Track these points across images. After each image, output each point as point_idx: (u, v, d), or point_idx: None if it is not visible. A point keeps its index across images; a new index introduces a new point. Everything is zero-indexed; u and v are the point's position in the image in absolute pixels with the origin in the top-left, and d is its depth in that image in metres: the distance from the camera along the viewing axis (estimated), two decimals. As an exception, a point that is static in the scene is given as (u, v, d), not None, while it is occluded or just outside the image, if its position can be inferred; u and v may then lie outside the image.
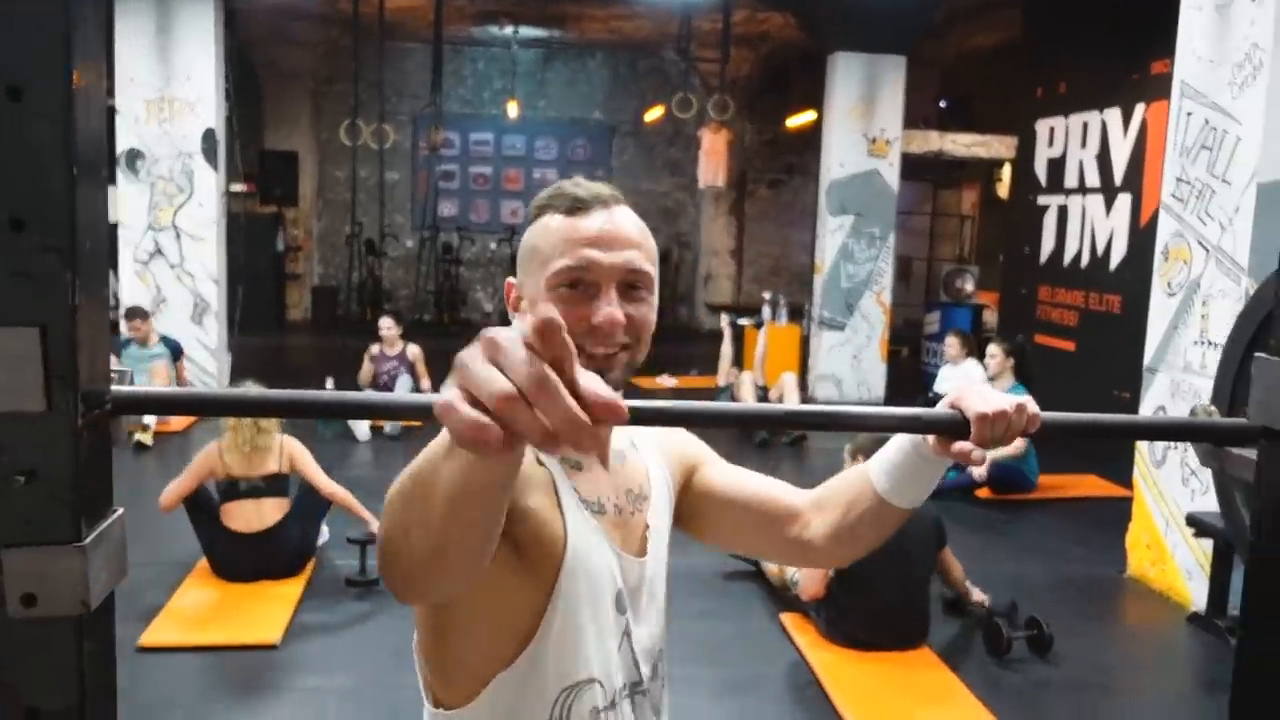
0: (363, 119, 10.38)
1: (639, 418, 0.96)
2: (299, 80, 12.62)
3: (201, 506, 4.24)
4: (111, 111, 8.18)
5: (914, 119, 10.68)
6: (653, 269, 1.13)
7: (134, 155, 8.04)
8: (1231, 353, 1.33)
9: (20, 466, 0.82)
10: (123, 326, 7.44)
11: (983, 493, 6.19)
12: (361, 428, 6.94)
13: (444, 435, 0.81)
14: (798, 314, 10.06)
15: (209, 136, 8.10)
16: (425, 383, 7.29)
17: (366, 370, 7.31)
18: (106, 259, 0.89)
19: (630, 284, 1.10)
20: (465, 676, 1.09)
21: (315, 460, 4.41)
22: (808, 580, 3.96)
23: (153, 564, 4.48)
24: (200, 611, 4.02)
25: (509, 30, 12.01)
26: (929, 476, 1.19)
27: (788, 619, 4.13)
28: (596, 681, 1.12)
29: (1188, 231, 4.51)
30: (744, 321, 9.30)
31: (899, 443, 1.20)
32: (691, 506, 1.30)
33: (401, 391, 7.07)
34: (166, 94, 7.99)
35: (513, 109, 12.02)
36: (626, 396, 0.78)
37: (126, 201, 8.11)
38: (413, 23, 10.97)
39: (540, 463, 1.13)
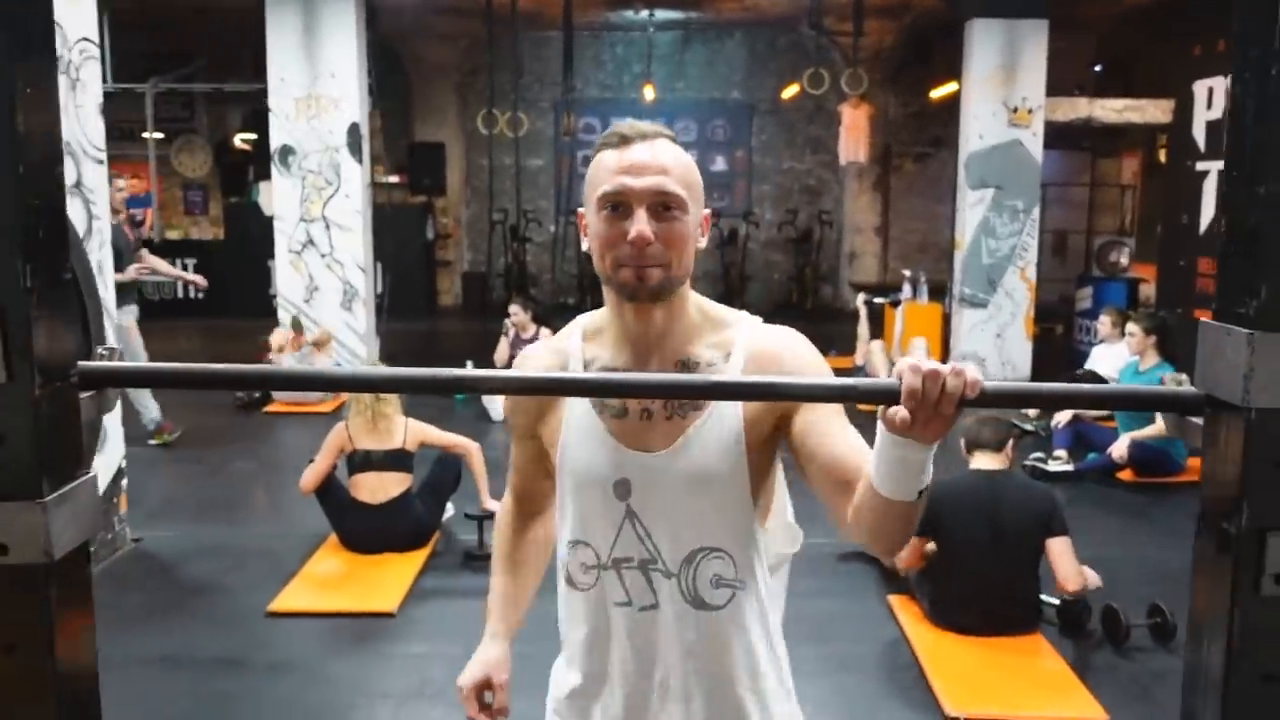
0: (502, 108, 10.66)
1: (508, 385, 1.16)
2: (444, 73, 13.03)
3: (332, 484, 4.49)
4: (265, 112, 8.67)
5: (1065, 86, 10.23)
6: (684, 192, 1.32)
7: (286, 151, 8.49)
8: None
9: (-14, 432, 0.92)
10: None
11: (1125, 475, 5.92)
12: (495, 406, 7.16)
13: None
14: (940, 292, 9.81)
15: (353, 130, 8.48)
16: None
17: (502, 350, 7.53)
18: (65, 247, 0.99)
19: (662, 204, 1.30)
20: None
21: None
22: (905, 550, 3.92)
23: (289, 536, 4.77)
24: (326, 580, 4.26)
25: (645, 14, 12.07)
26: (898, 461, 1.12)
27: (895, 600, 4.07)
28: (589, 545, 1.42)
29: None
30: (880, 300, 9.13)
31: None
32: (789, 440, 1.36)
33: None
34: (314, 92, 8.41)
35: (649, 93, 12.08)
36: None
37: (281, 195, 8.58)
38: (551, 11, 11.15)
39: (564, 368, 1.43)
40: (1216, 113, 8.09)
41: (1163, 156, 11.29)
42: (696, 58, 13.60)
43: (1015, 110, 8.59)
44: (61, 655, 0.97)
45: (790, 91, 12.51)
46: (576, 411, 1.40)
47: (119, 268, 5.83)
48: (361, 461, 4.46)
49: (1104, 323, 7.23)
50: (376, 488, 4.43)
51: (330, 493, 4.49)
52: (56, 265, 0.96)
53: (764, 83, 13.54)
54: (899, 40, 12.33)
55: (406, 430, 4.52)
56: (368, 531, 4.43)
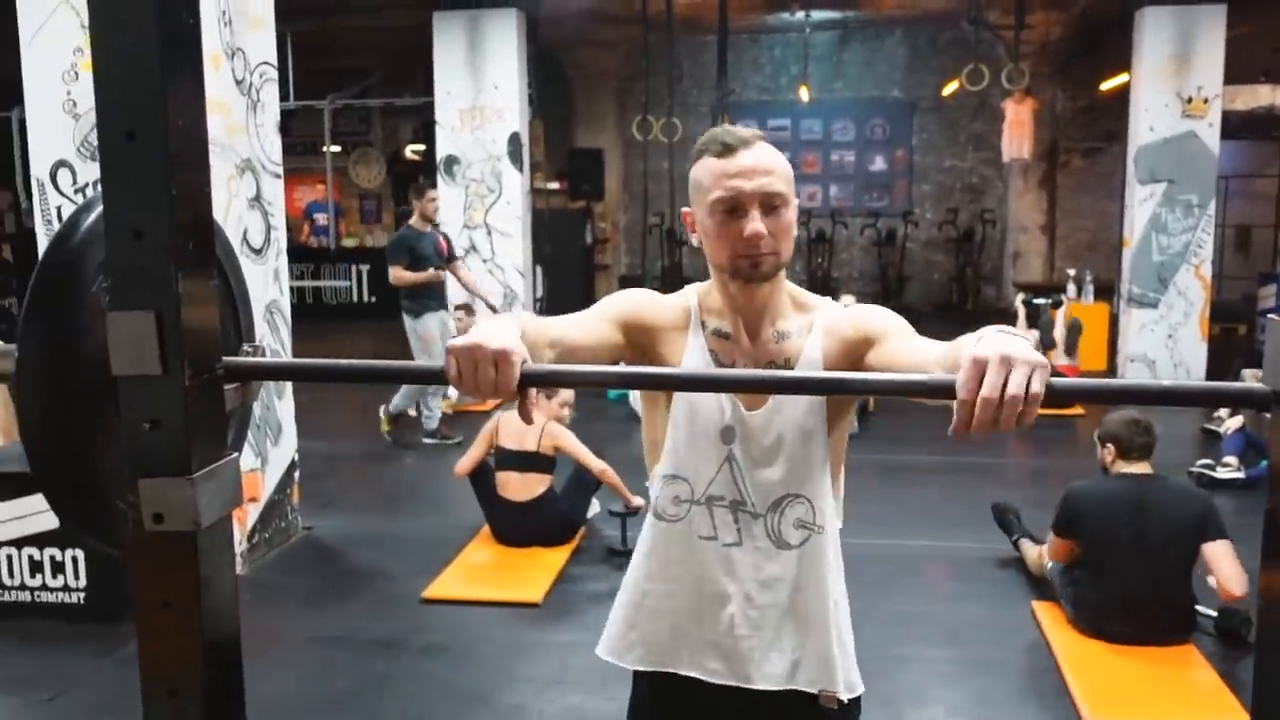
0: (659, 113, 10.83)
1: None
2: (604, 80, 13.32)
3: (482, 476, 4.71)
4: (432, 124, 9.09)
5: (1249, 73, 9.68)
6: (787, 189, 1.51)
7: (451, 161, 8.89)
8: None
9: (147, 416, 1.08)
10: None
11: (1304, 484, 5.58)
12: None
13: None
14: (1109, 291, 9.43)
15: (514, 140, 8.81)
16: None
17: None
18: (211, 257, 1.14)
19: (769, 204, 1.49)
20: (648, 466, 1.65)
21: (581, 441, 4.75)
22: (1051, 546, 3.85)
23: (445, 527, 5.03)
24: (478, 570, 4.48)
25: (801, 15, 12.03)
26: None
27: (1039, 606, 3.99)
28: (685, 480, 1.57)
29: None
30: (1040, 301, 8.84)
31: None
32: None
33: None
34: (477, 104, 8.78)
35: (804, 93, 12.04)
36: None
37: (446, 203, 8.97)
38: (708, 16, 11.26)
39: (684, 326, 1.59)
40: None
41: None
42: (855, 57, 13.46)
43: (1190, 101, 8.19)
44: (207, 610, 1.13)
45: (950, 88, 12.23)
46: (694, 353, 1.57)
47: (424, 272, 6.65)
48: (502, 459, 4.65)
49: None
50: (519, 486, 4.62)
51: (482, 482, 4.70)
52: (204, 273, 1.11)
53: (925, 80, 13.29)
54: (1067, 32, 11.88)
55: (542, 433, 4.65)
56: (512, 525, 4.62)
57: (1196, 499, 3.60)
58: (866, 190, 13.64)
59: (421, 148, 13.11)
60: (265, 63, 4.71)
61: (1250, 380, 1.06)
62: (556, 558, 4.54)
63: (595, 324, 1.54)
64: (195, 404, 1.10)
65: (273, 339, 4.70)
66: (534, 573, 4.39)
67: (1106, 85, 11.07)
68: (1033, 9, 10.12)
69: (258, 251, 4.63)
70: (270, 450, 4.73)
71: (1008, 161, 11.68)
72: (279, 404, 4.83)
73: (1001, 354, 1.04)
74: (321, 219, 14.60)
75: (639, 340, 1.59)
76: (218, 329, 1.16)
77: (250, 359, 1.22)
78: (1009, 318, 11.16)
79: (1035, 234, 13.32)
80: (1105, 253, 12.45)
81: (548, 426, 4.67)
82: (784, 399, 1.55)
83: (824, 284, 12.92)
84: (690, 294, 1.65)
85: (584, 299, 13.16)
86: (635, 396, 7.36)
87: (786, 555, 1.56)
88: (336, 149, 13.41)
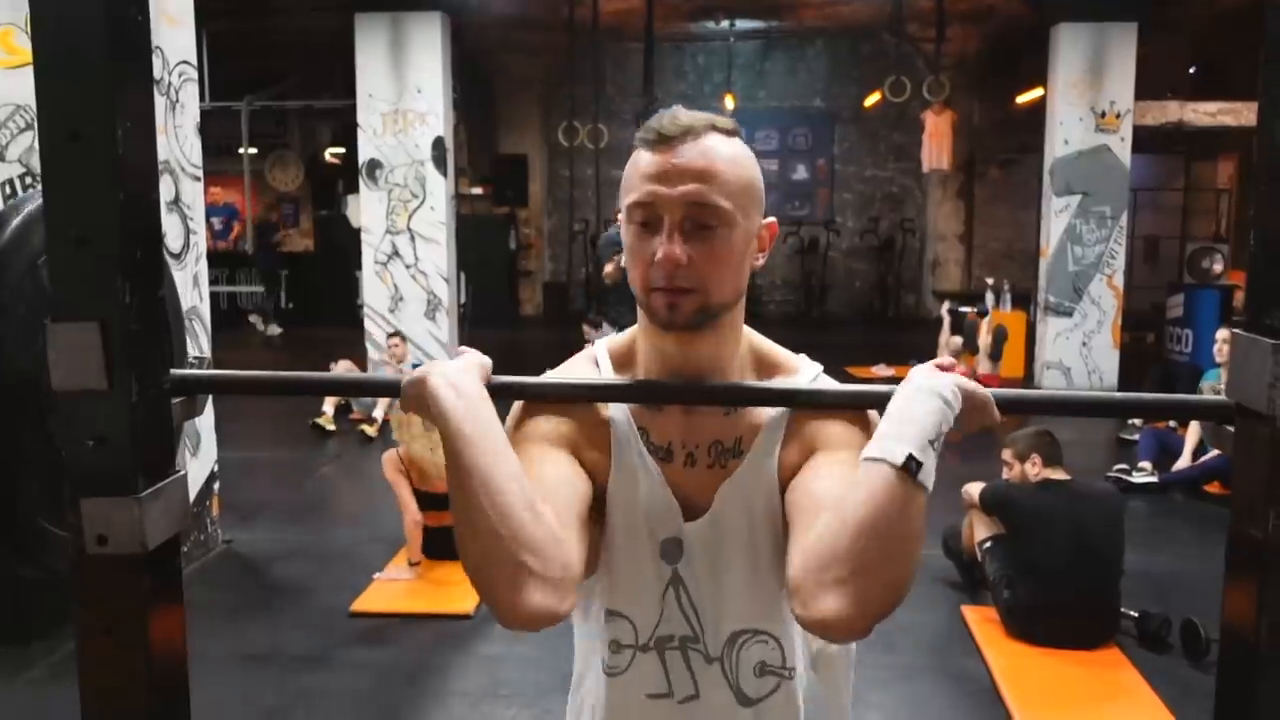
0: (584, 120, 10.81)
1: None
2: (528, 86, 13.26)
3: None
4: (354, 127, 8.93)
5: (1158, 89, 10.00)
6: (727, 202, 1.06)
7: (374, 165, 8.75)
8: None
9: (91, 433, 1.02)
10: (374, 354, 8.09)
11: (1212, 487, 5.78)
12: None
13: None
14: (1026, 300, 9.66)
15: (438, 144, 8.70)
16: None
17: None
18: (160, 266, 1.08)
19: (697, 220, 1.06)
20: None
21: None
22: (973, 524, 4.04)
23: (371, 539, 4.93)
24: (405, 583, 4.38)
25: (725, 24, 12.13)
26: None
27: (969, 612, 4.05)
28: (626, 619, 1.18)
29: None
30: (965, 309, 9.04)
31: None
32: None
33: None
34: (400, 107, 8.65)
35: (729, 102, 12.13)
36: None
37: (368, 208, 8.83)
38: (634, 24, 11.29)
39: (606, 414, 1.17)
40: (1315, 115, 7.84)
41: (1260, 160, 10.95)
42: (777, 66, 13.61)
43: (1103, 115, 8.44)
44: (154, 638, 1.07)
45: (872, 99, 12.44)
46: (625, 447, 1.16)
47: None
48: (425, 500, 4.53)
49: (1224, 340, 7.05)
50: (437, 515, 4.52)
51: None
52: (152, 283, 1.06)
53: (846, 90, 13.49)
54: (983, 46, 12.17)
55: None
56: (437, 547, 4.53)
57: (1117, 496, 3.72)
58: (789, 199, 13.79)
59: (341, 150, 12.88)
60: (184, 62, 4.57)
61: (1208, 393, 1.08)
62: (488, 568, 4.47)
63: (554, 471, 1.12)
64: (142, 420, 1.04)
65: (193, 347, 4.56)
66: (463, 584, 4.29)
67: (1022, 99, 11.36)
68: (950, 23, 10.34)
69: (176, 256, 4.49)
70: (189, 461, 4.58)
71: (927, 172, 11.91)
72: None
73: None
74: (218, 223, 14.30)
75: (584, 456, 1.16)
76: (165, 341, 1.10)
77: (200, 372, 1.17)
78: (929, 325, 11.40)
79: (953, 243, 13.62)
80: (1020, 261, 12.77)
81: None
82: (732, 503, 1.14)
83: (747, 294, 13.01)
84: (601, 356, 1.23)
85: (508, 305, 13.10)
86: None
87: (751, 714, 1.19)
88: (253, 151, 13.12)
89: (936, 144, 11.20)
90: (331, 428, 7.10)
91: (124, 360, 1.01)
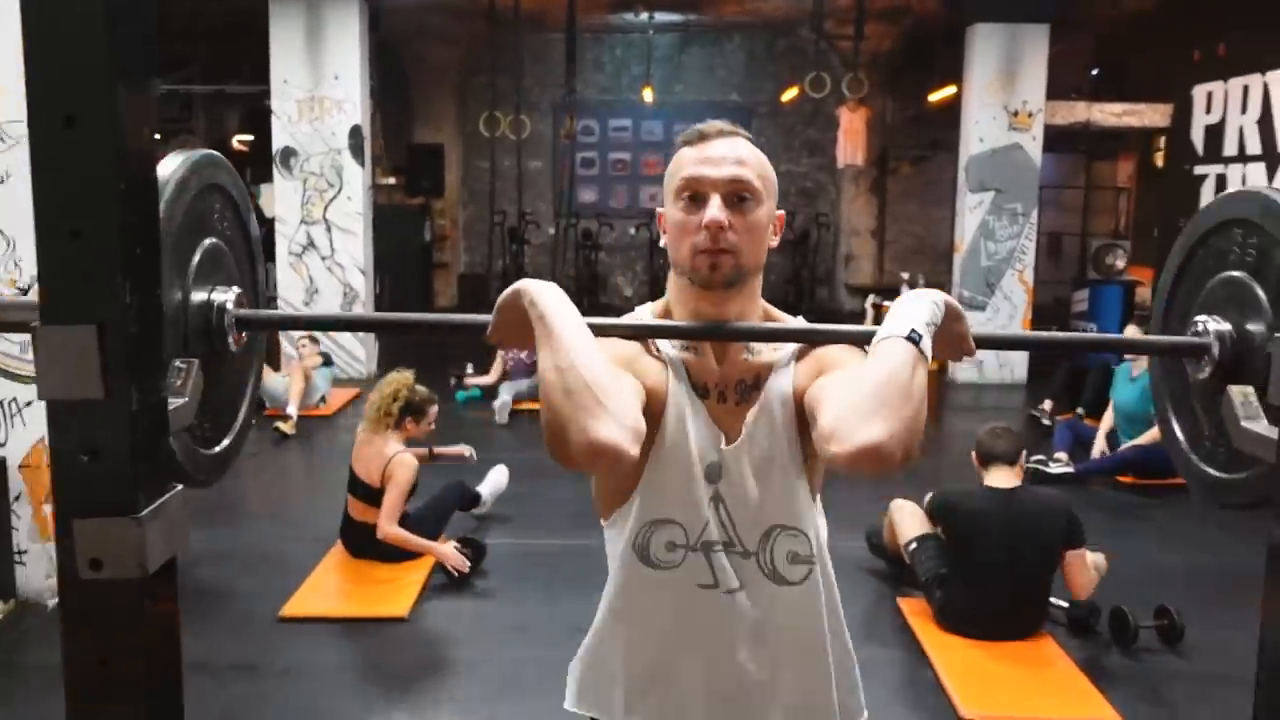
0: (503, 110, 10.66)
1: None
2: (444, 75, 13.02)
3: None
4: (268, 112, 8.65)
5: (1062, 89, 10.26)
6: (759, 184, 1.36)
7: (288, 154, 8.49)
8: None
9: (85, 446, 0.93)
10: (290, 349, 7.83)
11: (1126, 478, 5.96)
12: (503, 413, 7.17)
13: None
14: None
15: (355, 133, 8.49)
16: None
17: (498, 365, 7.59)
18: (158, 263, 1.00)
19: (737, 194, 1.35)
20: (605, 505, 1.48)
21: (408, 487, 4.32)
22: (909, 521, 4.09)
23: (298, 539, 4.78)
24: (338, 584, 4.26)
25: (645, 16, 12.08)
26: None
27: (905, 604, 4.10)
28: (677, 524, 1.42)
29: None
30: (887, 303, 9.17)
31: None
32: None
33: (523, 384, 7.28)
34: (316, 94, 8.41)
35: (648, 95, 12.10)
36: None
37: (282, 198, 8.57)
38: (553, 14, 11.17)
39: (657, 352, 1.43)
40: (1215, 117, 8.15)
41: (1159, 160, 11.37)
42: (695, 61, 13.61)
43: (1015, 114, 8.64)
44: (152, 667, 0.98)
45: (790, 94, 12.55)
46: (673, 387, 1.40)
47: None
48: (350, 482, 4.41)
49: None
50: (356, 509, 4.40)
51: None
52: (153, 281, 0.97)
53: (762, 85, 13.56)
54: (897, 44, 12.36)
55: (385, 469, 4.28)
56: (358, 545, 4.41)
57: (1061, 508, 3.74)
58: (706, 192, 13.81)
59: (250, 137, 12.48)
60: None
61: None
62: (419, 568, 4.36)
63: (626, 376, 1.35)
64: (143, 431, 0.96)
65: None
66: (397, 585, 4.20)
67: (935, 96, 11.56)
68: (866, 21, 10.46)
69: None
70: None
71: (842, 167, 12.05)
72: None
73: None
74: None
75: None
76: (164, 344, 1.02)
77: (263, 311, 1.09)
78: (843, 318, 11.54)
79: (866, 238, 13.82)
80: (931, 257, 13.02)
81: (393, 462, 4.30)
82: (759, 427, 1.41)
83: (659, 283, 13.00)
84: (642, 313, 1.50)
85: (422, 297, 12.86)
86: (504, 413, 7.27)
87: (788, 593, 1.44)
88: (156, 137, 12.61)
89: (852, 140, 11.32)
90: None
91: (122, 366, 0.93)
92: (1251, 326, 1.32)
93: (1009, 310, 8.92)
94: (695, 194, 1.35)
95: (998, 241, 8.82)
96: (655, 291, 14.32)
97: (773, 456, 1.41)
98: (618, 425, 1.14)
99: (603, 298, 13.56)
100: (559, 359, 1.18)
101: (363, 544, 4.36)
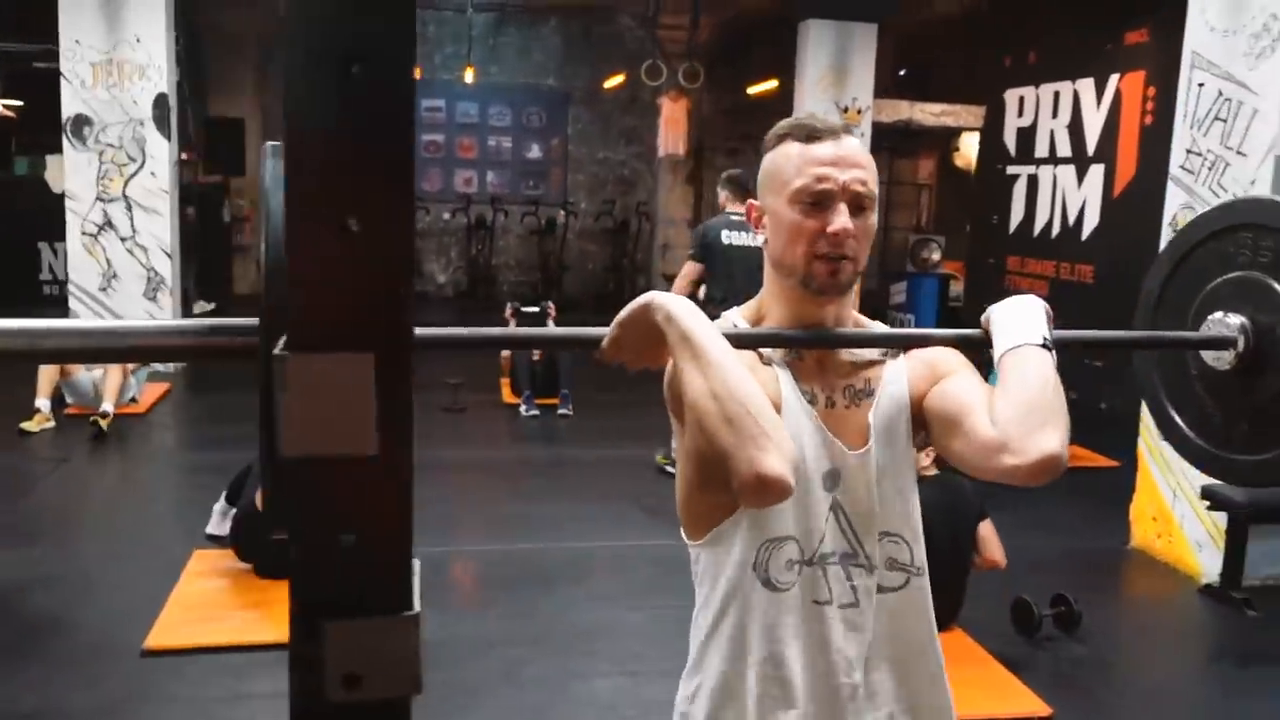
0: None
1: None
2: (243, 44, 12.14)
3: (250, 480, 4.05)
4: (31, 75, 7.73)
5: (875, 88, 10.64)
6: (875, 190, 1.35)
7: (81, 122, 7.63)
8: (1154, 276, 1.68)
9: (347, 525, 0.68)
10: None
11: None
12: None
13: None
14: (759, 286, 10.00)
15: (161, 102, 7.73)
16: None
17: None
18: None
19: (858, 203, 1.32)
20: (702, 522, 1.39)
21: None
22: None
23: (140, 557, 4.27)
24: (207, 607, 3.80)
25: (464, -6, 11.67)
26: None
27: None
28: (794, 539, 1.34)
29: (1198, 203, 4.50)
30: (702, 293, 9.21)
31: None
32: (928, 410, 1.39)
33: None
34: (115, 57, 7.59)
35: (469, 75, 11.71)
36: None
37: (75, 171, 7.70)
38: (365, -15, 10.58)
39: (766, 361, 1.37)
40: (1027, 120, 8.63)
41: (958, 159, 11.99)
42: (511, 43, 13.27)
43: (846, 110, 8.85)
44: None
45: (614, 81, 12.45)
46: (788, 395, 1.35)
47: None
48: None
49: None
50: None
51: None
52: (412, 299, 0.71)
53: (579, 71, 13.38)
54: (714, 35, 12.46)
55: None
56: (269, 549, 3.98)
57: (966, 490, 3.79)
58: (524, 178, 13.53)
59: (17, 103, 11.20)
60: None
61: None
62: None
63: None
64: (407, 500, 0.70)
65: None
66: (279, 603, 3.80)
67: (755, 89, 11.73)
68: (685, 10, 10.48)
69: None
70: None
71: (662, 156, 12.08)
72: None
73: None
74: None
75: None
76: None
77: (442, 330, 0.82)
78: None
79: (682, 227, 13.88)
80: (746, 247, 13.24)
81: None
82: (872, 425, 1.38)
83: (485, 273, 12.67)
84: (732, 316, 1.44)
85: (221, 282, 11.95)
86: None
87: (889, 602, 1.39)
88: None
89: (673, 130, 11.38)
90: (50, 425, 6.08)
91: (402, 412, 0.67)
92: (1265, 319, 1.45)
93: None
94: (821, 198, 1.31)
95: (826, 234, 9.02)
96: (471, 279, 14.04)
97: (893, 461, 1.39)
98: (781, 457, 1.11)
99: (416, 285, 13.03)
100: (715, 385, 1.13)
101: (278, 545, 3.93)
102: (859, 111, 8.88)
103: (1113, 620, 4.19)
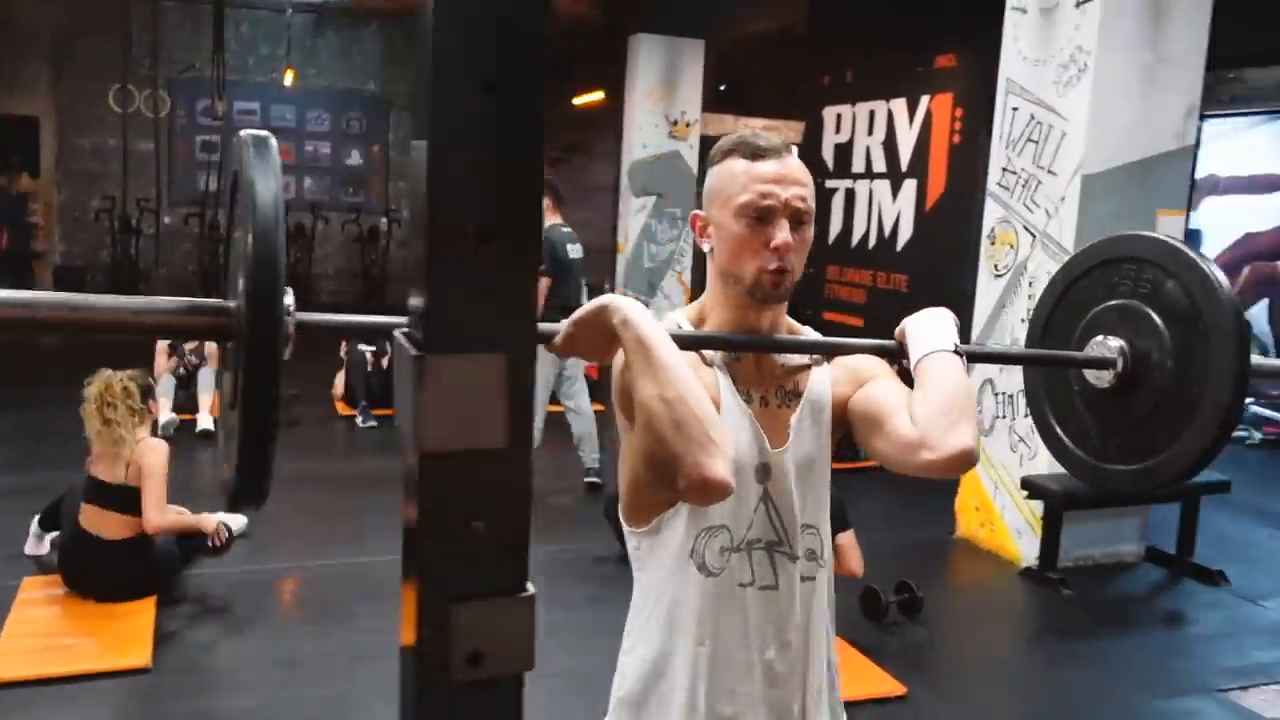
0: (105, 82, 9.49)
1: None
2: (36, 38, 11.35)
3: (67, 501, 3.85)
4: None
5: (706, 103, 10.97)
6: (813, 206, 1.44)
7: None
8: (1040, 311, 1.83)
9: (478, 513, 0.73)
10: None
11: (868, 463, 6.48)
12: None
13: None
14: (596, 293, 10.14)
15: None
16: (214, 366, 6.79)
17: (163, 361, 6.74)
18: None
19: (797, 218, 1.42)
20: (645, 510, 1.48)
21: (165, 470, 3.85)
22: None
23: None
24: (47, 634, 3.58)
25: (281, -7, 11.32)
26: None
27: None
28: (726, 528, 1.45)
29: (1014, 218, 4.90)
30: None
31: None
32: (852, 414, 1.51)
33: (206, 381, 6.60)
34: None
35: (290, 78, 11.36)
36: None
37: None
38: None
39: (708, 362, 1.48)
40: (844, 136, 9.10)
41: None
42: (330, 45, 12.92)
43: (675, 123, 9.09)
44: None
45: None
46: (725, 394, 1.46)
47: None
48: (89, 491, 3.80)
49: None
50: (101, 525, 3.79)
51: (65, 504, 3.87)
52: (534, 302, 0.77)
53: (403, 75, 13.16)
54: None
55: (130, 462, 3.79)
56: (91, 569, 3.78)
57: (838, 502, 3.98)
58: (344, 185, 13.19)
59: None
60: None
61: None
62: (144, 608, 3.79)
63: None
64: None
65: None
66: (125, 627, 3.62)
67: (580, 100, 11.88)
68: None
69: None
70: None
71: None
72: None
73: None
74: None
75: None
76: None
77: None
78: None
79: (507, 236, 13.90)
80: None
81: (140, 449, 3.81)
82: (804, 431, 1.49)
83: (305, 281, 12.27)
84: (676, 316, 1.54)
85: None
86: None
87: (805, 591, 1.49)
88: None
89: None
90: None
91: (525, 404, 0.73)
92: (1142, 344, 1.61)
93: (669, 309, 9.36)
94: (765, 213, 1.40)
95: (659, 244, 9.24)
96: (295, 284, 13.46)
97: (814, 458, 1.49)
98: (725, 461, 1.19)
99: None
100: (665, 389, 1.20)
101: (107, 566, 3.76)
102: (688, 124, 9.14)
103: (948, 604, 4.50)
